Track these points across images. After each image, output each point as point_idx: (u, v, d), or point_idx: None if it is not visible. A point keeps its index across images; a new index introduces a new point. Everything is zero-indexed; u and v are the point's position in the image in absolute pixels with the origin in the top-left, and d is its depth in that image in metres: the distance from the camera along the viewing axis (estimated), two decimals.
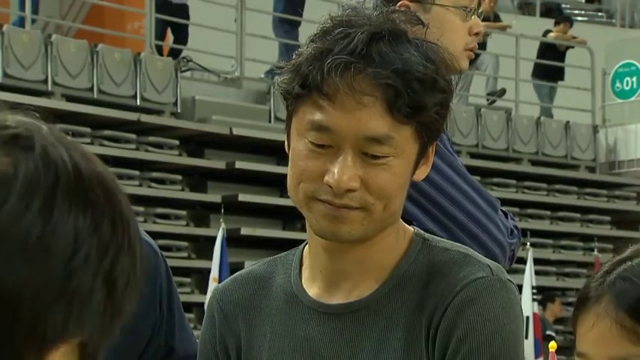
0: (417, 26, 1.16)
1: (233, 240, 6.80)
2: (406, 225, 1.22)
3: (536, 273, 7.46)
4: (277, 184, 7.80)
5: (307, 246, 1.24)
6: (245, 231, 7.22)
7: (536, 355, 6.17)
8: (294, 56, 1.14)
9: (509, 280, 1.18)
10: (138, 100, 7.26)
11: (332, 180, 1.11)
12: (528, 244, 8.10)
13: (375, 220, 1.14)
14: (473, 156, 8.56)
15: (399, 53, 1.11)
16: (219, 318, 1.25)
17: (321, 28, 1.14)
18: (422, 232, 1.23)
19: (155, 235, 6.45)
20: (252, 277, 1.26)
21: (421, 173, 1.18)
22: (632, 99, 9.48)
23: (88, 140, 6.94)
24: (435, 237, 1.23)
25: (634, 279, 0.93)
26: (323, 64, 1.10)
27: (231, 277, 1.29)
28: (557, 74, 9.96)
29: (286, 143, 1.18)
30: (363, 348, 1.17)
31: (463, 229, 1.64)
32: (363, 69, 1.09)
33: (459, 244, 1.23)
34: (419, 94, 1.10)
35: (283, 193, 7.82)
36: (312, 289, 1.21)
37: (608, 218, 9.17)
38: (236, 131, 7.42)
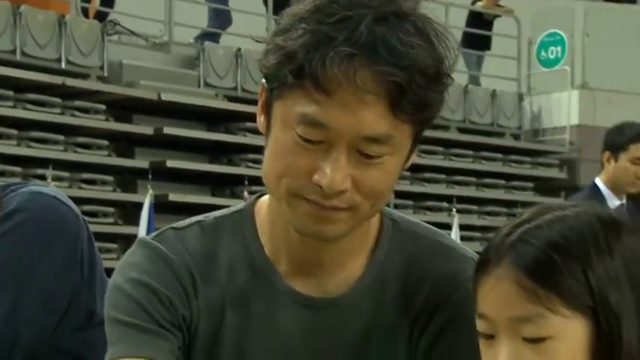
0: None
1: (161, 206, 6.75)
2: None
3: (462, 238, 7.61)
4: (206, 150, 7.74)
5: (257, 212, 1.14)
6: (173, 197, 7.17)
7: None
8: (276, 32, 1.02)
9: None
10: (63, 64, 7.11)
11: (324, 181, 1.01)
12: (454, 210, 8.24)
13: (360, 219, 1.06)
14: None
15: (404, 44, 1.00)
16: (177, 267, 1.09)
17: (314, 4, 1.01)
18: (389, 210, 1.16)
19: (81, 200, 6.35)
20: (199, 244, 1.12)
21: (410, 162, 1.10)
22: (557, 68, 9.68)
23: (11, 104, 6.77)
24: (402, 216, 1.16)
25: (532, 241, 0.96)
26: (324, 55, 0.98)
27: (172, 235, 1.13)
28: (484, 43, 10.09)
29: (260, 121, 1.07)
30: (342, 343, 1.10)
31: None
32: (367, 63, 0.98)
33: (428, 226, 1.17)
34: (424, 90, 1.01)
35: (212, 159, 7.78)
36: (280, 266, 1.11)
37: (531, 185, 9.39)
38: (164, 96, 7.33)
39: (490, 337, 0.98)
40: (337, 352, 1.10)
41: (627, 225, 0.99)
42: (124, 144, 7.40)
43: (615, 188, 3.54)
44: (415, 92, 1.01)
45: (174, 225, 1.16)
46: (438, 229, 1.18)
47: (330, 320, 1.10)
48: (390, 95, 1.00)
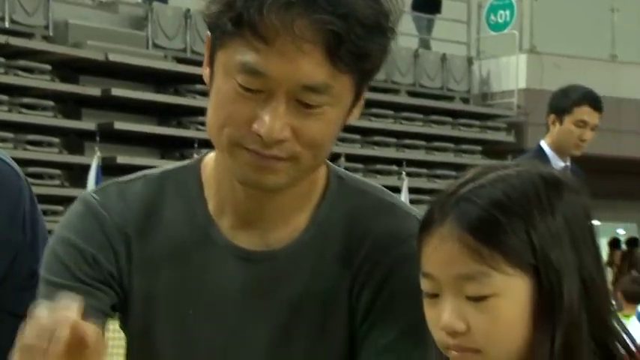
0: None
1: (108, 169, 6.68)
2: None
3: (411, 201, 7.67)
4: (155, 112, 7.66)
5: (203, 167, 1.14)
6: (121, 159, 7.10)
7: None
8: None
9: None
10: (6, 22, 6.94)
11: (262, 130, 1.02)
12: (404, 173, 8.30)
13: (302, 170, 1.06)
14: None
15: None
16: (108, 226, 1.10)
17: None
18: (336, 168, 1.16)
19: (26, 162, 6.25)
20: (141, 199, 1.13)
21: (355, 115, 1.09)
22: (505, 32, 9.74)
23: None
24: (349, 174, 1.17)
25: (476, 200, 0.96)
26: (262, 3, 0.99)
27: (114, 191, 1.13)
28: (435, 6, 10.11)
29: (205, 73, 1.08)
30: (282, 296, 1.11)
31: None
32: (304, 12, 0.99)
33: (374, 184, 1.17)
34: (363, 40, 1.01)
35: (161, 121, 7.70)
36: (223, 222, 1.12)
37: (479, 148, 9.49)
38: (112, 57, 7.22)
39: (434, 296, 0.99)
40: (277, 305, 1.11)
41: (568, 184, 1.00)
42: (71, 105, 7.28)
43: (560, 150, 3.58)
44: (353, 42, 1.01)
45: (120, 179, 1.17)
46: (383, 188, 1.18)
47: (270, 273, 1.11)
48: (327, 44, 1.01)
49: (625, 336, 1.00)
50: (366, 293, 1.11)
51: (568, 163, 3.60)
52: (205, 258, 1.11)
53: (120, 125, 7.20)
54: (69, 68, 7.27)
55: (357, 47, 1.02)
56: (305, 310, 1.11)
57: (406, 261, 1.07)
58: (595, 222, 1.00)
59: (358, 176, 1.20)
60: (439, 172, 9.04)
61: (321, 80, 1.02)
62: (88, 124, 7.16)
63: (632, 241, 10.63)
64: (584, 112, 3.56)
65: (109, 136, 7.12)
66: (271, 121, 1.02)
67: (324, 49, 1.01)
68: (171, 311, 1.12)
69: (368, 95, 1.12)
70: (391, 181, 8.28)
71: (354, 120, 1.11)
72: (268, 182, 1.06)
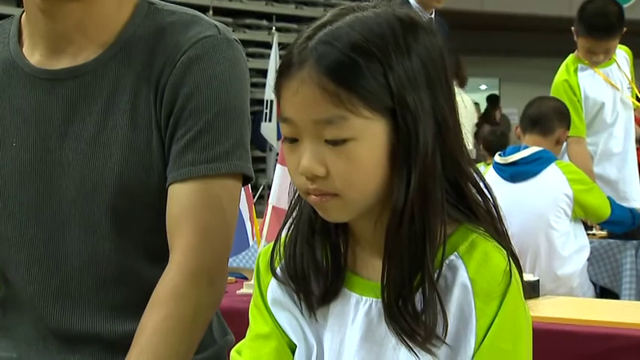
0: None
1: None
2: None
3: (282, 57, 7.61)
4: None
5: (25, 14, 1.24)
6: None
7: (279, 137, 6.45)
8: None
9: (236, 41, 1.23)
10: None
11: None
12: (274, 28, 8.18)
13: None
14: None
15: None
16: None
17: None
18: None
19: None
20: None
21: None
22: None
23: None
24: (162, 2, 1.25)
25: (334, 42, 0.95)
26: None
27: None
28: None
29: None
30: (90, 112, 1.19)
31: None
32: None
33: (188, 8, 1.25)
34: None
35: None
36: (34, 57, 1.22)
37: (349, 2, 9.42)
38: None
39: (294, 140, 0.99)
40: (87, 120, 1.19)
41: (424, 25, 1.00)
42: None
43: (424, 3, 3.63)
44: None
45: None
46: (197, 12, 1.25)
47: (78, 91, 1.19)
48: None
49: (477, 177, 1.03)
50: (167, 95, 1.19)
51: (432, 16, 3.65)
52: (17, 89, 1.21)
53: None
54: None
55: None
56: (113, 123, 1.19)
57: (199, 59, 1.18)
58: None
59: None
60: None
61: None
62: None
63: (491, 98, 11.03)
64: None
65: None
66: None
67: None
68: None
69: None
70: (261, 36, 8.17)
71: None
72: None
